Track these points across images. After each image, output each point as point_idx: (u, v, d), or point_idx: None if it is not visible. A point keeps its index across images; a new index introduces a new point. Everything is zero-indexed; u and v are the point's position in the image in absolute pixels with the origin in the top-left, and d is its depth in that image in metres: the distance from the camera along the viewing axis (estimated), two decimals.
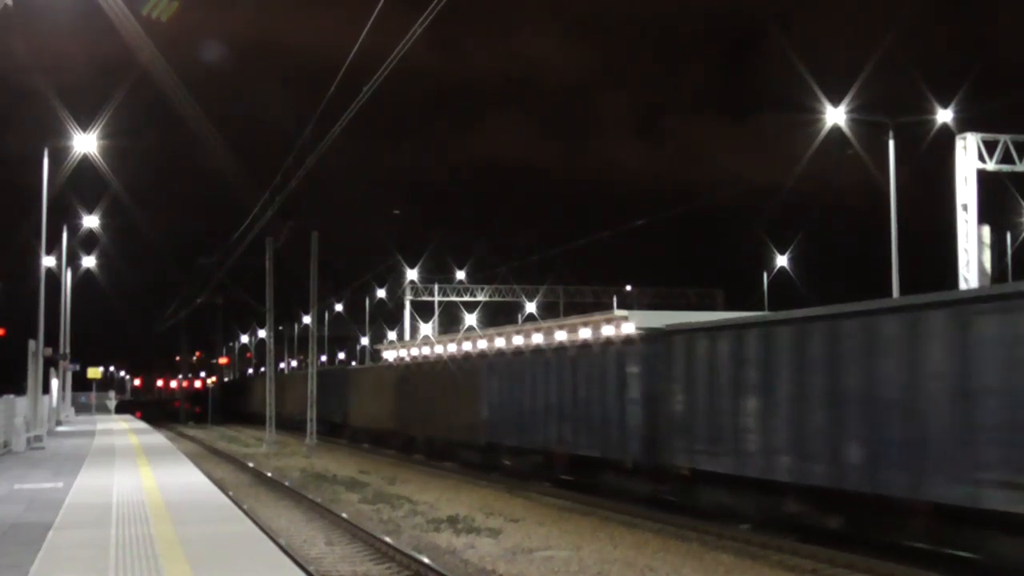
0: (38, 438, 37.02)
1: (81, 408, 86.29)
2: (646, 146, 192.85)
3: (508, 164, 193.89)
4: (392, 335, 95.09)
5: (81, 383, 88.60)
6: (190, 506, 18.46)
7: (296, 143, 36.02)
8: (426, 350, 71.86)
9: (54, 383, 56.67)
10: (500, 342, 62.26)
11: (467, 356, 39.76)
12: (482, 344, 63.34)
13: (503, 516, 22.42)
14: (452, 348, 66.73)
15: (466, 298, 79.26)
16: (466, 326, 78.54)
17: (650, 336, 23.16)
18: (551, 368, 27.99)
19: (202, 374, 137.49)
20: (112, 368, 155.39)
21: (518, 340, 60.06)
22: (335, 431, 54.91)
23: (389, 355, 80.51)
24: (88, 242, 62.92)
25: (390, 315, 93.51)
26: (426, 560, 16.32)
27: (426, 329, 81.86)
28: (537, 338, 57.84)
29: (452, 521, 21.59)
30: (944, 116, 33.21)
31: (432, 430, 38.33)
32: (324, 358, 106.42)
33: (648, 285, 79.99)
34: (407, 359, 64.96)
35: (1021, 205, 44.64)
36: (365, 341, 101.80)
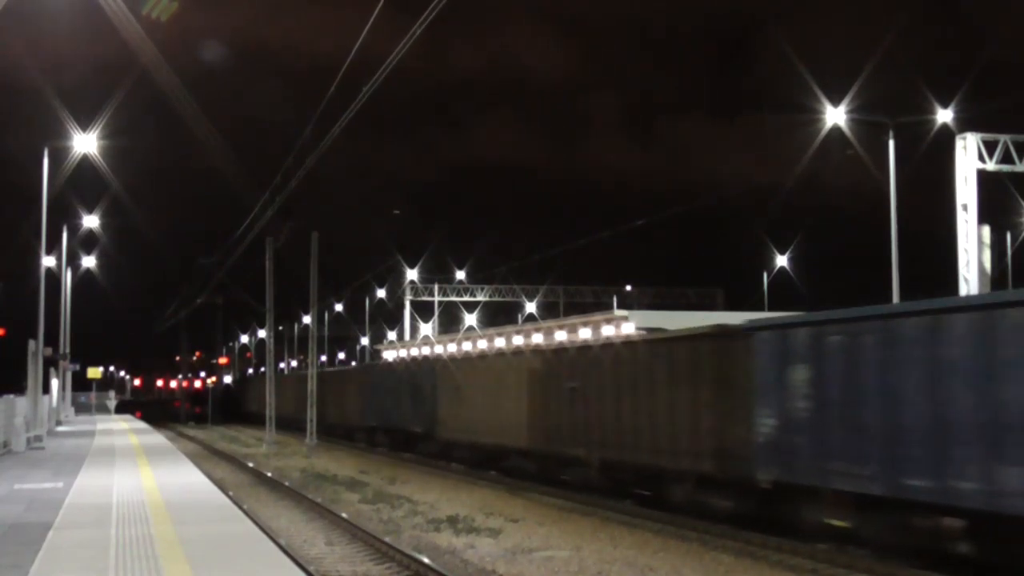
0: (38, 438, 37.02)
1: (81, 408, 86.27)
2: (646, 146, 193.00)
3: (508, 164, 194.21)
4: (392, 335, 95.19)
5: (81, 383, 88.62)
6: (190, 506, 18.46)
7: (296, 143, 36.14)
8: (426, 350, 71.83)
9: (54, 383, 56.68)
10: (500, 342, 62.21)
11: (702, 336, 22.25)
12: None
13: (503, 516, 22.42)
14: (452, 348, 66.71)
15: (466, 298, 79.27)
16: (466, 326, 78.60)
17: None
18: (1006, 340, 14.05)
19: (202, 374, 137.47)
20: (112, 368, 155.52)
21: (518, 340, 60.01)
22: (407, 445, 42.23)
23: (389, 355, 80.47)
24: (88, 242, 63.02)
25: (390, 315, 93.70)
26: (426, 560, 16.33)
27: (426, 329, 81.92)
28: (537, 338, 57.70)
29: (452, 521, 21.60)
30: (944, 116, 33.23)
31: (618, 451, 24.61)
32: (324, 358, 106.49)
33: (648, 285, 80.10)
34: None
35: (1021, 205, 44.69)
36: (365, 341, 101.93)
